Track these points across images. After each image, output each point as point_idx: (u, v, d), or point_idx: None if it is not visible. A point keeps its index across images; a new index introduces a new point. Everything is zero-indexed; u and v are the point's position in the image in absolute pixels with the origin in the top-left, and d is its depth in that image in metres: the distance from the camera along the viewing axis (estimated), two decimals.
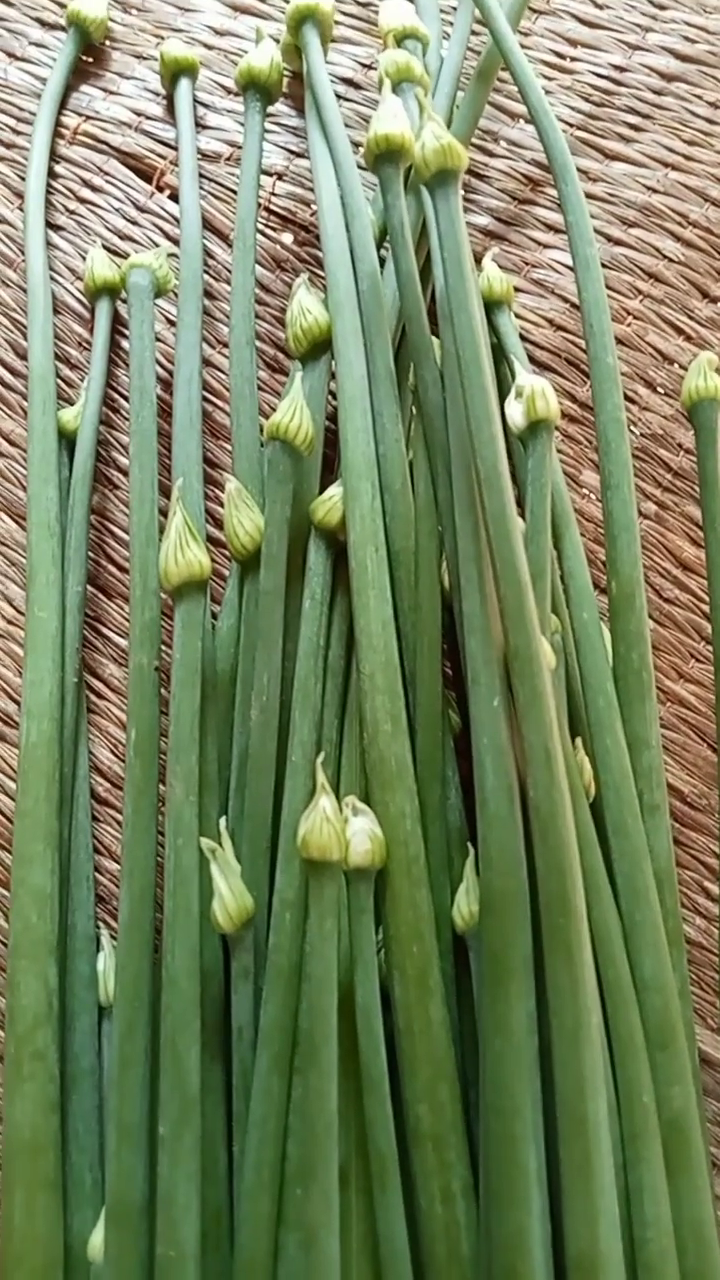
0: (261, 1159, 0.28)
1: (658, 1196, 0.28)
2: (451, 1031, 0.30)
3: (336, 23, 0.46)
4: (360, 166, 0.41)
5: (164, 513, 0.37)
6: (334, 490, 0.34)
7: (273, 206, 0.44)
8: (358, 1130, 0.29)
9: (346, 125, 0.40)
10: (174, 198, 0.44)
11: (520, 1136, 0.27)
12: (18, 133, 0.45)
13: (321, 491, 0.35)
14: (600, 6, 0.47)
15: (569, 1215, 0.26)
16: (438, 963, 0.30)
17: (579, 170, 0.43)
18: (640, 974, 0.30)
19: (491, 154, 0.45)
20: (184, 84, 0.44)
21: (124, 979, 0.31)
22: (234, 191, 0.44)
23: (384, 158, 0.36)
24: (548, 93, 0.45)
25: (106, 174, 0.45)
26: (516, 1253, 0.26)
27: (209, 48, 0.47)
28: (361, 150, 0.37)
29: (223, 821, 0.32)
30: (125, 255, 0.43)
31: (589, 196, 0.44)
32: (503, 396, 0.36)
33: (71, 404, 0.40)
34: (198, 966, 0.30)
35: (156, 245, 0.44)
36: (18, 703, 0.38)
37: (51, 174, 0.44)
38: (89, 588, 0.39)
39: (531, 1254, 0.26)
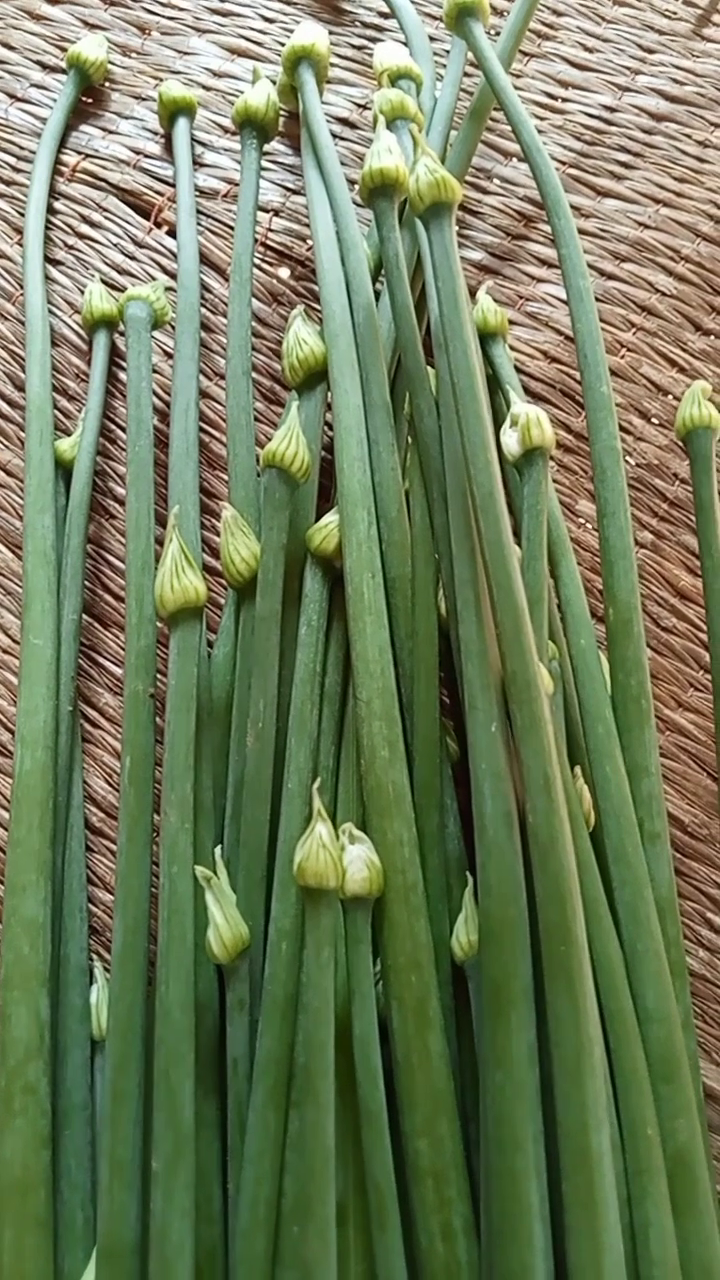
0: (257, 1196, 0.27)
1: (664, 1235, 0.27)
2: (451, 1064, 0.29)
3: (332, 65, 0.47)
4: (356, 203, 0.41)
5: (160, 542, 0.37)
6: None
7: (269, 242, 0.45)
8: (355, 1166, 0.28)
9: (342, 163, 0.41)
10: (171, 233, 0.45)
11: (522, 1171, 0.26)
12: (18, 170, 0.46)
13: (318, 521, 0.35)
14: (590, 50, 0.48)
15: (573, 1253, 0.26)
16: (437, 993, 0.30)
17: (572, 207, 0.44)
18: (643, 1005, 0.30)
19: (485, 191, 0.46)
20: (182, 123, 0.45)
21: (117, 1011, 0.30)
22: (230, 227, 0.45)
23: (378, 192, 0.36)
24: (540, 132, 0.46)
25: (105, 210, 0.45)
26: None
27: (206, 89, 0.47)
28: (357, 186, 0.38)
29: (218, 850, 0.31)
30: (123, 289, 0.44)
31: (582, 232, 0.45)
32: (498, 426, 0.36)
33: (70, 435, 0.41)
34: (192, 998, 0.29)
35: (154, 279, 0.44)
36: (11, 731, 0.38)
37: (51, 210, 0.45)
38: (85, 617, 0.39)
39: None
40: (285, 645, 0.34)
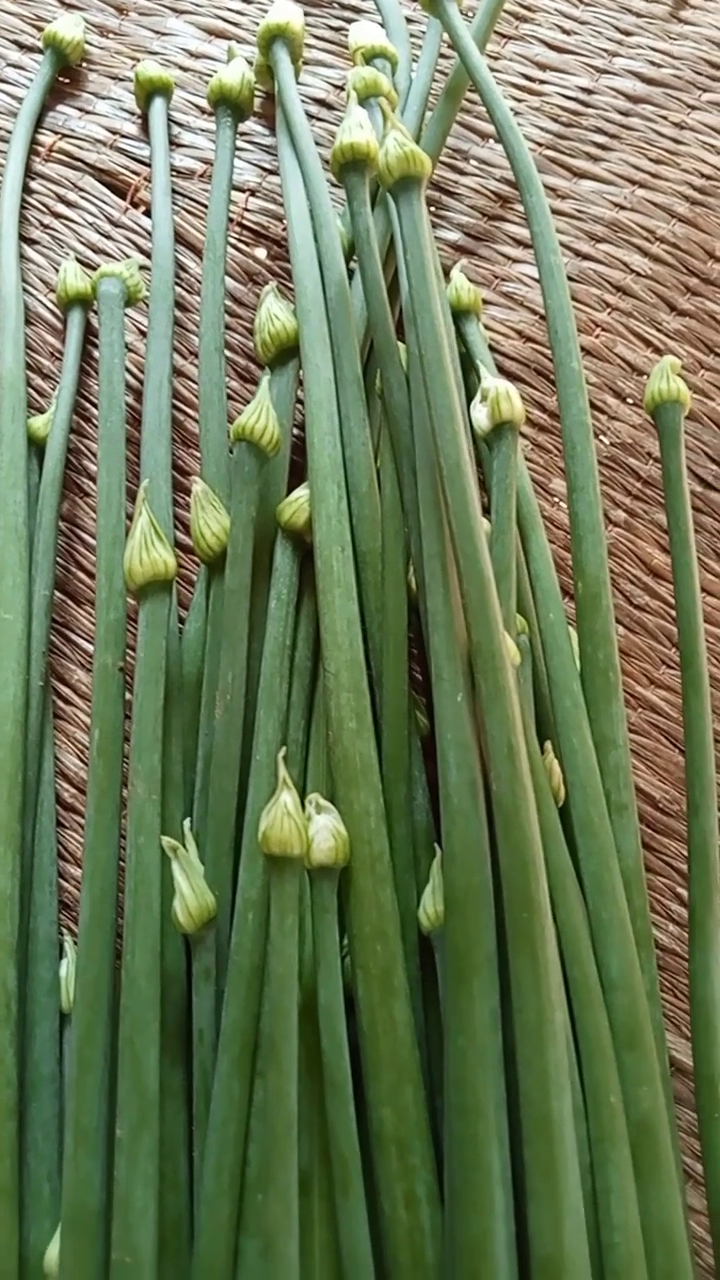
0: (221, 1163, 0.27)
1: (626, 1200, 0.27)
2: (417, 1034, 0.30)
3: (309, 46, 0.47)
4: (331, 182, 0.41)
5: (131, 517, 0.37)
6: (301, 492, 0.34)
7: (246, 222, 0.45)
8: (320, 1134, 0.29)
9: (318, 143, 0.41)
10: (148, 213, 0.45)
11: (484, 1137, 0.26)
12: None
13: (289, 495, 0.35)
14: (567, 32, 0.48)
15: (534, 1218, 0.26)
16: (402, 963, 0.30)
17: (548, 188, 0.44)
18: (607, 973, 0.30)
19: (462, 172, 0.46)
20: (158, 103, 0.45)
21: (84, 981, 0.30)
22: (207, 207, 0.44)
23: (349, 167, 0.36)
24: (517, 114, 0.46)
25: (81, 190, 0.45)
26: (480, 1257, 0.25)
27: (184, 69, 0.47)
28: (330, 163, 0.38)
29: (187, 822, 0.31)
30: (99, 268, 0.44)
31: (558, 213, 0.45)
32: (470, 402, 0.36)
33: (44, 413, 0.40)
34: (158, 967, 0.29)
35: (129, 258, 0.44)
36: None
37: (27, 190, 0.45)
38: (58, 594, 0.39)
39: (495, 1258, 0.25)
40: (255, 619, 0.34)
